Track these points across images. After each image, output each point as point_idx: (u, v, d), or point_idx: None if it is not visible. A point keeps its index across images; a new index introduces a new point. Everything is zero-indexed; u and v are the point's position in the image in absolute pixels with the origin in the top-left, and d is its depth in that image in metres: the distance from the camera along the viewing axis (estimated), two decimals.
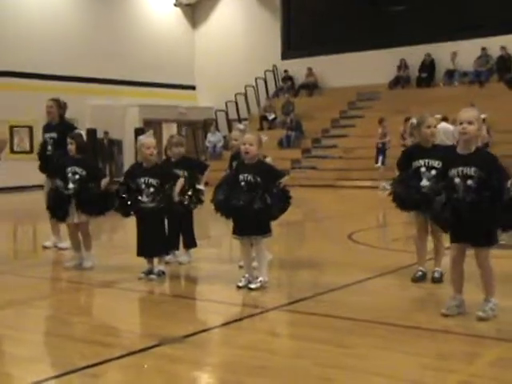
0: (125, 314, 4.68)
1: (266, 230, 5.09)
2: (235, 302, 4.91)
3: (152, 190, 5.55)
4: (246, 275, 5.20)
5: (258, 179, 4.97)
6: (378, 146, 16.23)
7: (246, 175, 4.99)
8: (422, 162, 5.05)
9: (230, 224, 5.18)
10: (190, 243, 6.35)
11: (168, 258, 6.05)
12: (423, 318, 4.27)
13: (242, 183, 4.98)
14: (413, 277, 5.27)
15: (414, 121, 5.20)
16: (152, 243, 5.57)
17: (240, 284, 5.16)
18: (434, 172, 4.88)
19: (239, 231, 5.11)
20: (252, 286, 5.09)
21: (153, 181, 5.58)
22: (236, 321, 4.35)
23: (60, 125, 7.27)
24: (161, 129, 22.37)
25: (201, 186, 6.05)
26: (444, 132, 9.58)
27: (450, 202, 4.09)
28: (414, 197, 4.92)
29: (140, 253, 5.67)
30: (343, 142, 19.16)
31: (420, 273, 5.27)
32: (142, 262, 5.73)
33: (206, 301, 5.10)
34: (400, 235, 8.23)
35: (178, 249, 6.30)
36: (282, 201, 4.97)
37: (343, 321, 4.25)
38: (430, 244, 5.32)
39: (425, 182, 4.93)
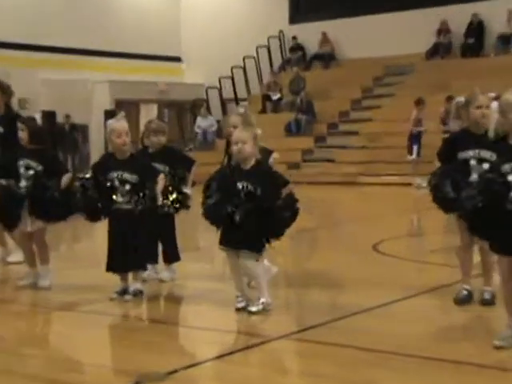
0: (91, 344, 4.67)
1: (257, 246, 5.07)
2: (230, 329, 4.95)
3: (128, 187, 5.60)
4: (239, 294, 5.24)
5: (258, 190, 5.02)
6: (411, 132, 16.24)
7: (244, 183, 5.05)
8: (471, 152, 5.05)
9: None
10: (172, 256, 6.39)
11: (146, 273, 6.08)
12: (470, 350, 4.31)
13: (241, 193, 5.04)
14: (456, 297, 5.31)
15: (460, 99, 5.21)
16: (126, 255, 5.60)
17: (239, 305, 5.19)
18: (486, 166, 4.87)
19: (226, 241, 5.16)
20: (253, 308, 5.12)
21: (129, 176, 5.61)
22: (231, 353, 4.37)
23: (5, 117, 7.10)
24: (138, 111, 22.48)
25: (187, 189, 6.11)
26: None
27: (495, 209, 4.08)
28: (448, 196, 4.94)
29: (111, 267, 5.70)
30: (367, 128, 19.21)
31: (465, 292, 5.30)
32: (114, 280, 5.77)
33: (193, 328, 5.13)
34: (439, 245, 8.26)
35: (156, 262, 6.34)
36: (288, 213, 5.02)
37: (365, 353, 4.28)
38: (477, 256, 5.36)
39: (475, 178, 4.87)
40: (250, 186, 5.03)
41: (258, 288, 5.21)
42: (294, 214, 5.08)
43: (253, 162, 5.12)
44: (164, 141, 6.29)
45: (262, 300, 5.13)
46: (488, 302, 5.20)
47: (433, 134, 15.04)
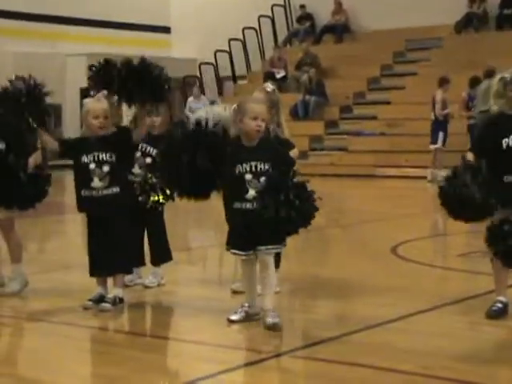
0: (65, 360, 4.65)
1: (279, 239, 5.15)
2: (227, 344, 4.93)
3: (107, 168, 5.64)
4: (246, 305, 5.26)
5: (267, 167, 5.09)
6: (437, 117, 16.21)
7: (251, 164, 5.09)
8: None
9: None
10: (161, 256, 6.40)
11: (128, 278, 6.10)
12: (504, 373, 4.29)
13: (247, 176, 5.09)
14: (488, 311, 5.31)
15: (506, 75, 5.27)
16: (110, 254, 5.60)
17: (234, 317, 5.22)
18: None
19: (242, 244, 5.16)
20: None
21: (105, 156, 5.66)
22: (226, 371, 4.36)
23: None
24: None
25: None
26: None
27: None
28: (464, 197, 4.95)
29: (95, 270, 5.69)
30: (386, 112, 19.23)
31: (500, 305, 5.31)
32: (90, 284, 5.75)
33: (182, 341, 5.13)
34: (468, 249, 8.27)
35: (143, 264, 6.38)
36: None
37: (381, 373, 4.28)
38: None
39: None
40: (259, 166, 5.08)
41: (264, 295, 5.19)
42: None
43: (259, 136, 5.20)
44: (159, 122, 6.38)
45: (272, 313, 5.09)
46: None
47: (458, 120, 15.07)
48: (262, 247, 5.10)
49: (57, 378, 4.36)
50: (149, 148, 6.29)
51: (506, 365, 4.45)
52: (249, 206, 5.05)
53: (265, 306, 5.16)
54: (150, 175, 6.15)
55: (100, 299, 5.65)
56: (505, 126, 5.21)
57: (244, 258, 5.21)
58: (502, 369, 4.39)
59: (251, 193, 5.05)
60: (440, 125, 16.13)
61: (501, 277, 5.33)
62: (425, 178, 15.96)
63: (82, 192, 5.68)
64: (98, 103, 5.74)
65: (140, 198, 6.11)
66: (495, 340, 5.00)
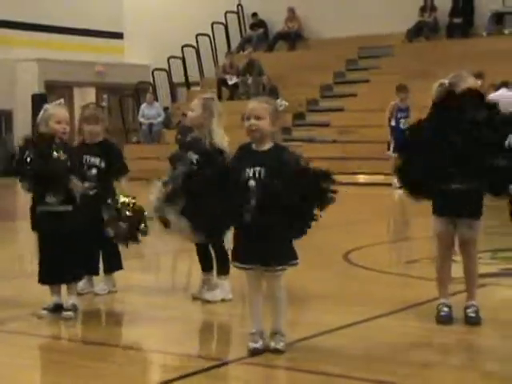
0: (17, 370, 4.61)
1: (291, 255, 4.79)
2: (180, 352, 4.92)
3: None
4: (254, 330, 4.80)
5: (267, 174, 4.60)
6: (390, 124, 16.10)
7: (256, 169, 4.64)
8: None
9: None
10: (113, 264, 6.42)
11: (80, 287, 6.12)
12: (450, 377, 4.35)
13: (251, 182, 4.65)
14: (437, 316, 5.33)
15: (444, 81, 5.30)
16: (62, 261, 5.59)
17: (256, 345, 4.74)
18: None
19: (245, 255, 4.73)
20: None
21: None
22: (180, 378, 4.36)
23: None
24: (71, 96, 22.26)
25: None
26: (506, 103, 9.31)
27: None
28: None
29: (45, 277, 5.65)
30: (339, 119, 19.34)
31: (446, 309, 5.33)
32: (42, 293, 5.70)
33: (136, 350, 5.12)
34: (419, 255, 8.29)
35: (97, 272, 6.39)
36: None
37: (333, 379, 4.32)
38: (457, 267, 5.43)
39: None
40: (262, 172, 4.62)
41: (275, 315, 4.81)
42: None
43: (271, 144, 4.75)
44: (99, 131, 6.38)
45: (281, 335, 4.78)
46: (473, 320, 5.26)
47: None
48: (270, 267, 4.71)
49: None
50: (92, 159, 6.26)
51: (453, 369, 4.52)
52: (247, 217, 4.60)
53: (272, 328, 4.81)
54: (125, 211, 6.07)
55: (56, 308, 5.62)
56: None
57: (247, 271, 4.77)
58: (448, 373, 4.45)
59: (253, 203, 4.60)
60: (395, 130, 15.70)
61: (443, 278, 5.39)
62: (377, 184, 15.99)
63: (38, 207, 5.67)
64: (61, 108, 5.79)
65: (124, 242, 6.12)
66: (443, 345, 5.02)
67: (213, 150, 5.81)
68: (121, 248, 6.36)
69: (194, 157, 5.88)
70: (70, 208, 5.61)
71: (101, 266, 6.42)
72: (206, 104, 5.95)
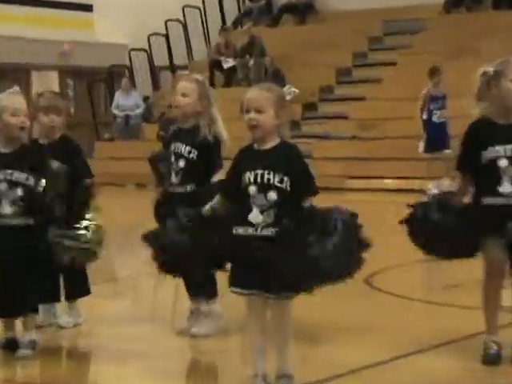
0: None
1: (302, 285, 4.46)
2: None
3: (20, 193, 5.39)
4: (255, 373, 4.48)
5: (284, 182, 4.33)
6: (423, 116, 15.13)
7: (258, 172, 4.36)
8: (500, 148, 4.94)
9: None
10: (77, 290, 6.25)
11: (40, 318, 5.98)
12: None
13: (251, 189, 4.34)
14: (483, 355, 5.09)
15: (488, 69, 5.00)
16: (17, 292, 5.38)
17: None
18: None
19: (245, 280, 4.43)
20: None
21: (20, 176, 5.38)
22: None
23: None
24: (28, 82, 21.27)
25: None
26: None
27: None
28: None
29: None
30: (359, 110, 18.28)
31: (495, 347, 5.10)
32: None
33: None
34: (459, 278, 7.84)
35: (58, 299, 6.17)
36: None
37: None
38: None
39: (508, 187, 4.92)
40: (267, 175, 4.36)
41: (281, 353, 4.50)
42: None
43: (277, 141, 4.45)
44: (59, 123, 6.03)
45: (287, 370, 4.49)
46: None
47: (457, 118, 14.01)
48: (272, 295, 4.43)
49: None
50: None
51: None
52: (251, 231, 4.33)
53: (278, 369, 4.52)
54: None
55: (9, 344, 5.49)
56: (486, 136, 4.98)
57: (247, 296, 4.52)
58: None
59: (255, 213, 4.32)
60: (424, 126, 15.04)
61: (492, 313, 5.15)
62: (407, 191, 14.73)
63: None
64: (15, 97, 5.52)
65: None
66: None
67: (214, 141, 5.53)
68: (88, 269, 6.16)
69: (184, 149, 5.59)
70: (31, 222, 5.37)
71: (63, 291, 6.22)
72: (203, 88, 5.65)
